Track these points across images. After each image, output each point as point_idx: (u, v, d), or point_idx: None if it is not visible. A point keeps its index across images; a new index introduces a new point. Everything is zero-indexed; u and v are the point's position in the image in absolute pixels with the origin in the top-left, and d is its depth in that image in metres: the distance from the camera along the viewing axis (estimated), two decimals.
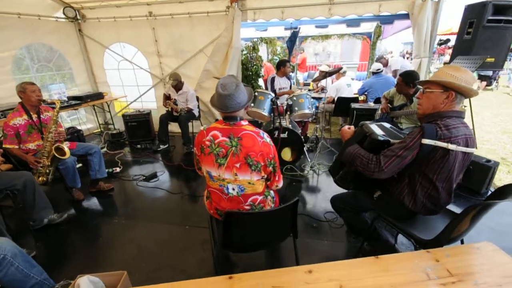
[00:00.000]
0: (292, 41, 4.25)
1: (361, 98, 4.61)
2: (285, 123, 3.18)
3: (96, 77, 5.00)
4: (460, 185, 1.52)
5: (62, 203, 2.68)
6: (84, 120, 4.89)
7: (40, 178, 2.37)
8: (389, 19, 4.48)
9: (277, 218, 1.30)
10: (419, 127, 1.32)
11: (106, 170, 3.21)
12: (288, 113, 3.22)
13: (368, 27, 6.12)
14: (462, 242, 1.58)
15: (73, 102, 3.88)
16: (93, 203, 2.74)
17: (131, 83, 4.99)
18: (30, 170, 2.36)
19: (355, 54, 10.89)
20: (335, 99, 4.40)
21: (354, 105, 3.87)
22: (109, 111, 4.91)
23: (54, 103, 2.56)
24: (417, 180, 1.39)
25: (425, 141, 1.26)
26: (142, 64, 4.76)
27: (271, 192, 1.63)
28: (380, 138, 1.46)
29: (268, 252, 1.96)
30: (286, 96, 3.58)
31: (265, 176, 1.44)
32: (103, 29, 4.55)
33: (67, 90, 4.61)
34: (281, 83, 3.91)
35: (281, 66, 3.81)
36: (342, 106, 4.24)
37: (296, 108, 3.12)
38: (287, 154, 3.23)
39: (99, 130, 5.02)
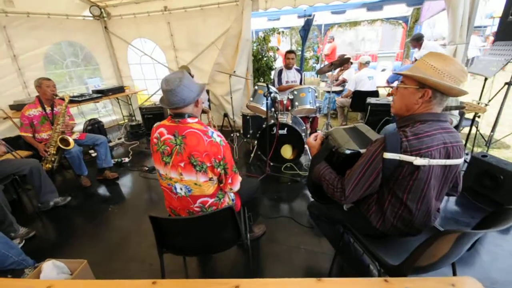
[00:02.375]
0: (306, 30, 3.95)
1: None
2: (286, 118, 3.00)
3: (121, 71, 5.34)
4: (482, 194, 1.23)
5: (71, 189, 2.94)
6: (110, 112, 5.29)
7: (47, 165, 2.62)
8: (417, 0, 3.87)
9: (209, 225, 1.21)
10: (382, 137, 1.07)
11: (115, 160, 3.44)
12: (290, 108, 3.03)
13: (402, 10, 5.40)
14: (454, 271, 1.32)
15: (95, 95, 4.20)
16: (97, 190, 2.95)
17: (152, 77, 5.23)
18: (40, 157, 2.62)
19: (396, 42, 9.86)
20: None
21: (369, 100, 3.49)
22: (131, 104, 5.22)
23: (63, 98, 2.76)
24: (386, 198, 1.14)
25: (387, 155, 1.01)
26: (160, 59, 4.93)
27: (231, 194, 1.55)
28: (347, 152, 1.22)
29: (234, 258, 1.88)
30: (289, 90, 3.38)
31: (214, 177, 1.35)
32: (125, 26, 4.80)
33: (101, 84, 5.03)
34: (289, 76, 3.70)
35: (284, 58, 3.59)
36: (360, 100, 3.87)
37: (297, 103, 2.91)
38: (287, 151, 3.06)
39: (123, 121, 5.39)
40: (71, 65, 4.56)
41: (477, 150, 3.28)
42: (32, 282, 1.15)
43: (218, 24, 4.16)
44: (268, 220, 2.23)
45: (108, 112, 5.23)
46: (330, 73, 4.93)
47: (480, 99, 2.50)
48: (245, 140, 3.74)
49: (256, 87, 3.04)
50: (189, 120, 1.30)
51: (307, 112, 3.12)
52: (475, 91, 3.30)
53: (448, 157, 1.05)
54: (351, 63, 4.90)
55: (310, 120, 3.61)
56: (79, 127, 4.10)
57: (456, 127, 2.55)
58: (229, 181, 1.38)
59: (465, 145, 2.71)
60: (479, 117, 2.67)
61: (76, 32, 4.41)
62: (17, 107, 3.35)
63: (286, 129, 2.95)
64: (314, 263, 1.78)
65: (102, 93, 4.33)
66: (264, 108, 2.91)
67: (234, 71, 3.75)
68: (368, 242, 1.28)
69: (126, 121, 5.37)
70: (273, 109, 3.07)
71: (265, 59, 4.22)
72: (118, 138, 4.39)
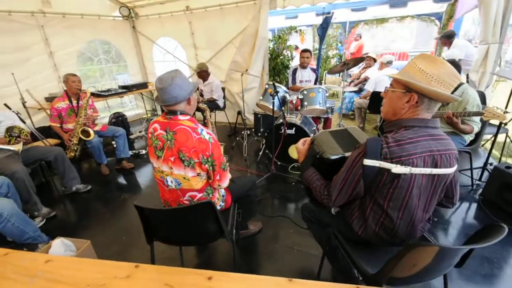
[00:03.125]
0: (324, 28, 3.85)
1: None
2: (295, 118, 2.98)
3: (146, 68, 5.64)
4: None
5: (92, 176, 3.20)
6: (134, 106, 5.62)
7: (70, 153, 2.88)
8: None
9: (188, 218, 1.26)
10: (364, 142, 1.03)
11: (133, 151, 3.67)
12: (299, 107, 3.00)
13: (434, 6, 5.01)
14: (445, 284, 1.24)
15: (120, 90, 4.49)
16: (115, 178, 3.17)
17: None
18: (65, 146, 2.90)
19: (432, 40, 9.21)
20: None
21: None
22: (153, 99, 5.50)
23: (86, 92, 3.00)
24: (368, 205, 1.11)
25: (367, 162, 0.98)
26: (182, 56, 5.13)
27: (222, 190, 1.59)
28: (331, 157, 1.20)
29: (230, 252, 1.93)
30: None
31: (202, 173, 1.40)
32: (151, 25, 5.06)
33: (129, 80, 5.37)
34: (304, 75, 3.65)
35: (300, 57, 3.54)
36: (378, 102, 3.68)
37: (306, 103, 2.87)
38: (294, 151, 3.03)
39: (146, 116, 5.70)
40: (102, 62, 4.92)
41: (506, 160, 2.99)
42: (35, 255, 1.30)
43: (236, 22, 4.22)
44: (266, 218, 2.25)
45: (133, 107, 5.56)
46: (352, 72, 4.74)
47: (507, 105, 2.27)
48: (255, 138, 3.77)
49: (266, 86, 3.05)
50: (181, 117, 1.37)
51: (316, 113, 3.06)
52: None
53: (435, 165, 0.99)
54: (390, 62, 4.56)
55: (321, 120, 3.53)
56: (105, 120, 4.43)
57: (478, 134, 2.35)
58: (217, 177, 1.42)
59: (489, 153, 2.48)
60: (505, 124, 2.43)
61: (106, 31, 4.74)
62: (51, 99, 3.69)
63: (294, 129, 2.92)
64: (304, 265, 1.77)
65: (127, 89, 4.62)
66: (271, 106, 2.92)
67: (246, 70, 3.79)
68: (350, 248, 1.25)
69: (148, 115, 5.67)
70: (282, 108, 3.06)
71: (280, 57, 4.19)
72: (139, 131, 4.66)
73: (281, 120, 2.96)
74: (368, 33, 7.54)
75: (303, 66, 3.67)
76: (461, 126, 2.08)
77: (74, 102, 3.03)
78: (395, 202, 1.03)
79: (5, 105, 2.64)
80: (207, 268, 1.84)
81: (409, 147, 0.95)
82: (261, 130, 3.53)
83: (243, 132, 3.69)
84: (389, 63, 4.09)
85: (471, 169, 2.45)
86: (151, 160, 1.47)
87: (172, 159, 1.36)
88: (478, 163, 2.79)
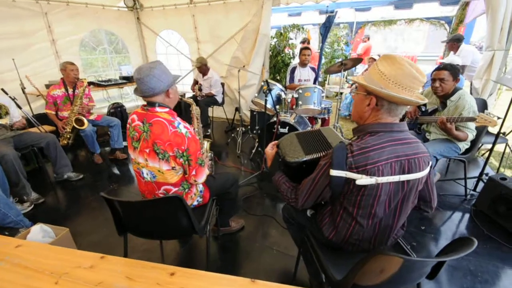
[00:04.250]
0: (327, 27, 3.77)
1: None
2: (289, 117, 2.94)
3: (149, 60, 5.64)
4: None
5: (85, 165, 3.23)
6: (135, 98, 5.64)
7: (63, 141, 2.90)
8: None
9: (156, 211, 1.25)
10: (331, 151, 0.98)
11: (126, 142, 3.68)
12: (294, 107, 2.96)
13: (445, 10, 4.86)
14: None
15: (120, 81, 4.51)
16: (107, 168, 3.19)
17: (176, 67, 5.46)
18: (59, 134, 2.92)
19: (442, 44, 9.00)
20: None
21: None
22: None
23: (83, 81, 3.02)
24: (338, 212, 1.08)
25: (333, 172, 0.93)
26: (184, 50, 5.12)
27: (200, 186, 1.57)
28: (292, 161, 1.17)
29: (203, 246, 1.91)
30: None
31: (177, 167, 1.38)
32: (155, 17, 5.05)
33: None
34: (303, 74, 3.59)
35: (299, 54, 3.48)
36: None
37: (300, 102, 2.83)
38: None
39: None
40: (104, 51, 4.94)
41: (505, 171, 2.90)
42: (8, 240, 1.30)
43: (239, 18, 4.18)
44: (251, 216, 2.23)
45: (133, 98, 5.58)
46: (358, 73, 4.63)
47: (506, 113, 2.18)
48: (250, 135, 3.75)
49: (262, 83, 3.01)
50: (158, 109, 1.35)
51: (311, 113, 3.01)
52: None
53: (403, 171, 0.94)
54: None
55: (318, 121, 3.48)
56: (104, 110, 4.45)
57: (474, 142, 2.27)
58: (193, 172, 1.40)
59: (485, 163, 2.40)
60: (504, 134, 2.34)
61: (110, 21, 4.75)
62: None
63: (287, 128, 2.89)
64: (281, 266, 1.74)
65: (127, 80, 4.63)
66: (269, 105, 2.88)
67: (244, 66, 3.75)
68: (321, 251, 1.21)
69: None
70: (277, 107, 3.02)
71: (281, 55, 4.14)
72: None
73: (275, 119, 2.93)
74: (375, 35, 7.40)
75: (303, 64, 3.61)
76: (455, 132, 2.01)
77: (70, 91, 3.04)
78: (363, 209, 0.99)
79: (2, 89, 2.66)
80: (186, 263, 1.84)
81: (374, 154, 0.91)
82: (257, 127, 3.50)
83: (238, 129, 3.66)
84: None
85: (465, 178, 2.38)
86: (129, 151, 1.46)
87: (147, 151, 1.34)
88: (475, 172, 2.71)
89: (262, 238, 1.99)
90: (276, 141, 1.39)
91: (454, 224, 2.14)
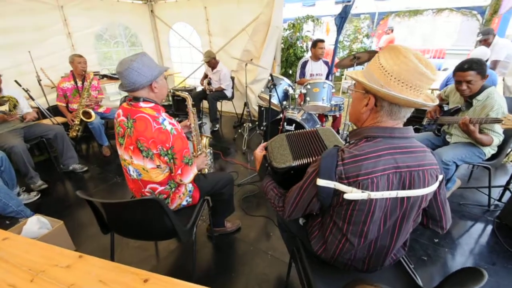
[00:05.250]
0: (343, 17, 3.53)
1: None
2: (296, 114, 2.79)
3: (163, 53, 5.67)
4: None
5: (93, 157, 3.30)
6: None
7: (72, 133, 2.97)
8: None
9: (135, 212, 1.19)
10: (319, 157, 0.85)
11: None
12: (302, 103, 2.81)
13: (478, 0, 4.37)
14: None
15: None
16: (115, 161, 3.23)
17: (188, 60, 5.44)
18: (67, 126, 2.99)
19: (475, 36, 8.29)
20: None
21: None
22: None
23: (89, 74, 3.04)
24: (328, 225, 0.95)
25: (320, 182, 0.81)
26: (196, 43, 5.06)
27: (189, 185, 1.50)
28: (279, 167, 1.06)
29: (207, 252, 1.86)
30: None
31: (163, 165, 1.32)
32: (168, 10, 5.03)
33: None
34: (314, 68, 3.40)
35: (312, 48, 3.29)
36: None
37: (308, 99, 2.67)
38: None
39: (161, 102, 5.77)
40: (119, 45, 5.01)
41: None
42: None
43: (251, 10, 4.03)
44: (249, 217, 2.15)
45: None
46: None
47: None
48: (258, 132, 3.64)
49: (269, 78, 2.88)
50: (142, 104, 1.28)
51: (319, 110, 2.84)
52: None
53: (403, 185, 0.80)
54: None
55: (327, 118, 3.29)
56: (116, 103, 4.53)
57: (502, 148, 2.01)
58: (179, 172, 1.33)
59: None
60: None
61: (125, 14, 4.78)
62: None
63: (294, 125, 2.75)
64: (274, 273, 1.64)
65: None
66: (275, 101, 2.76)
67: (251, 60, 3.62)
68: (310, 265, 1.10)
69: (162, 101, 5.73)
70: (284, 103, 2.89)
71: (293, 48, 3.95)
72: None
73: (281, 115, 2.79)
74: (400, 26, 6.92)
75: (317, 57, 3.41)
76: (478, 135, 1.78)
77: (79, 83, 3.09)
78: (354, 226, 0.86)
79: (16, 81, 2.75)
80: (177, 262, 1.79)
81: (368, 163, 0.77)
82: (264, 123, 3.39)
83: (244, 125, 3.57)
84: None
85: (489, 187, 2.13)
86: (117, 146, 1.42)
87: (131, 148, 1.29)
88: (502, 180, 2.43)
89: (258, 241, 1.90)
90: (266, 143, 1.28)
91: (473, 238, 1.92)
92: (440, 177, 0.88)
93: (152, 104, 1.31)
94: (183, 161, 1.32)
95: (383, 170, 0.77)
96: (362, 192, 0.77)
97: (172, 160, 1.29)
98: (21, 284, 1.02)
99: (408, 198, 0.82)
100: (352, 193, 0.78)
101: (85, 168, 2.91)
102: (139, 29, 5.17)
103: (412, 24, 6.68)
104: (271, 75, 2.38)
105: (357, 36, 6.24)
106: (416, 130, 2.69)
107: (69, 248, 1.77)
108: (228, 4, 4.24)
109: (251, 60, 3.62)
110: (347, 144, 0.88)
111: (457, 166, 2.01)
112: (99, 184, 2.74)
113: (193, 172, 1.40)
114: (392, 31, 7.34)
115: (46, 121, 2.97)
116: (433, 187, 0.84)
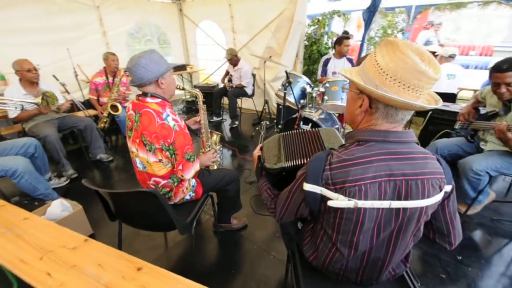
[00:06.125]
0: (371, 12, 3.31)
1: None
2: (313, 113, 2.70)
3: (189, 51, 5.84)
4: None
5: (119, 147, 3.51)
6: None
7: (101, 124, 3.19)
8: None
9: (135, 203, 1.23)
10: (309, 160, 0.80)
11: None
12: (320, 102, 2.70)
13: None
14: None
15: None
16: None
17: (213, 58, 5.54)
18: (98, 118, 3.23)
19: None
20: None
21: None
22: (191, 81, 5.71)
23: (121, 70, 3.24)
24: (319, 231, 0.90)
25: (307, 186, 0.76)
26: (221, 41, 5.13)
27: (192, 180, 1.53)
28: (270, 167, 1.04)
29: (213, 245, 1.89)
30: None
31: (165, 160, 1.35)
32: (195, 8, 5.16)
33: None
34: (337, 66, 3.25)
35: (336, 44, 3.14)
36: None
37: (326, 98, 2.55)
38: None
39: (185, 97, 5.97)
40: (149, 43, 5.26)
41: None
42: (19, 211, 1.45)
43: (275, 6, 3.98)
44: (256, 215, 2.13)
45: None
46: None
47: None
48: (275, 130, 3.59)
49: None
50: (149, 99, 1.32)
51: (338, 109, 2.71)
52: None
53: (398, 195, 0.72)
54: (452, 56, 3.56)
55: None
56: None
57: None
58: (180, 167, 1.35)
59: None
60: None
61: (154, 13, 5.01)
62: None
63: (310, 125, 2.65)
64: (274, 274, 1.60)
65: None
66: (289, 98, 2.70)
67: (270, 56, 3.56)
68: (303, 272, 1.05)
69: (187, 96, 5.93)
70: (301, 101, 2.81)
71: (317, 45, 3.81)
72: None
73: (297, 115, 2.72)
74: (440, 21, 6.35)
75: (342, 55, 3.27)
76: None
77: (110, 79, 3.30)
78: (343, 235, 0.80)
79: (54, 76, 3.02)
80: (183, 253, 1.83)
81: (356, 170, 0.70)
82: (282, 122, 3.33)
83: (262, 123, 3.54)
84: (451, 57, 3.35)
85: None
86: (127, 139, 1.48)
87: (137, 141, 1.34)
88: None
89: (263, 241, 1.87)
90: (262, 143, 1.25)
91: (504, 259, 1.70)
92: (448, 187, 0.78)
93: (159, 100, 1.34)
94: (184, 157, 1.34)
95: (373, 177, 0.70)
96: (349, 200, 0.71)
97: (173, 156, 1.32)
98: (31, 261, 1.11)
99: (405, 209, 0.74)
100: (338, 201, 0.72)
101: (111, 158, 3.11)
102: (168, 28, 5.38)
103: (455, 18, 6.06)
104: (286, 72, 2.32)
105: (392, 31, 5.83)
106: (447, 135, 2.45)
107: (86, 231, 1.93)
108: (252, 1, 4.23)
109: (270, 57, 3.57)
110: (340, 147, 0.82)
111: (490, 177, 1.79)
112: (122, 174, 2.91)
113: (194, 168, 1.41)
114: (432, 25, 6.76)
115: (79, 113, 3.23)
116: (435, 198, 0.75)
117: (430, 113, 2.68)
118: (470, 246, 1.78)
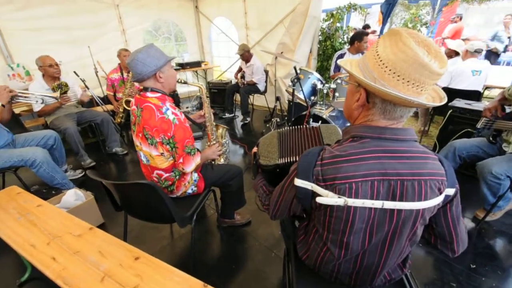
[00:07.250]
0: (390, 4, 3.13)
1: None
2: (324, 111, 2.64)
3: (204, 47, 5.90)
4: None
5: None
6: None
7: (118, 119, 3.32)
8: None
9: (136, 195, 1.26)
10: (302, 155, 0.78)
11: None
12: (331, 99, 2.63)
13: None
14: None
15: (175, 67, 4.86)
16: None
17: (227, 54, 5.57)
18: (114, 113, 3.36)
19: None
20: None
21: (454, 102, 2.58)
22: (205, 77, 5.78)
23: None
24: (312, 229, 0.88)
25: (298, 182, 0.73)
26: (234, 37, 5.14)
27: (194, 174, 1.55)
28: (264, 164, 1.03)
29: (215, 239, 1.91)
30: None
31: (166, 153, 1.37)
32: (210, 5, 5.20)
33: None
34: None
35: (356, 41, 3.03)
36: (448, 101, 2.91)
37: (338, 94, 2.48)
38: None
39: (200, 93, 6.06)
40: (166, 40, 5.39)
41: None
42: (34, 198, 1.54)
43: (289, 1, 3.91)
44: (260, 213, 2.11)
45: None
46: None
47: None
48: (286, 127, 3.55)
49: (299, 71, 2.76)
50: (149, 94, 1.35)
51: None
52: None
53: (393, 196, 0.68)
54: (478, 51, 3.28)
55: None
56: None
57: None
58: (180, 160, 1.37)
59: None
60: None
61: (171, 10, 5.10)
62: None
63: (320, 122, 2.59)
64: (273, 272, 1.59)
65: (181, 66, 4.96)
66: (299, 94, 2.66)
67: (282, 52, 3.51)
68: (296, 270, 1.03)
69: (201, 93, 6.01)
70: (312, 98, 2.76)
71: (331, 40, 3.70)
72: (186, 107, 5.01)
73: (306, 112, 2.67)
74: (469, 13, 5.93)
75: (357, 50, 3.15)
76: None
77: (125, 75, 3.42)
78: (334, 235, 0.77)
79: (74, 72, 3.18)
80: (187, 246, 1.87)
81: (347, 166, 0.67)
82: (292, 119, 3.29)
83: (272, 120, 3.51)
84: (477, 52, 3.12)
85: None
86: (131, 132, 1.53)
87: (140, 135, 1.38)
88: None
89: (265, 238, 1.86)
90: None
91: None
92: (450, 190, 0.73)
93: (159, 94, 1.36)
94: (184, 151, 1.36)
95: (364, 175, 0.66)
96: (339, 197, 0.68)
97: (174, 149, 1.34)
98: (39, 245, 1.19)
99: (399, 211, 0.69)
100: (328, 198, 0.69)
101: (125, 151, 3.23)
102: (184, 25, 5.46)
103: (486, 10, 5.62)
104: (294, 68, 2.28)
105: (415, 24, 5.54)
106: (467, 135, 2.29)
107: (97, 220, 2.02)
108: None
109: (282, 53, 3.52)
110: (335, 143, 0.79)
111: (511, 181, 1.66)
112: (136, 166, 3.01)
113: (195, 162, 1.43)
114: (460, 19, 6.33)
115: (98, 108, 3.38)
116: (434, 201, 0.70)
117: (450, 111, 2.52)
118: (486, 255, 1.66)
